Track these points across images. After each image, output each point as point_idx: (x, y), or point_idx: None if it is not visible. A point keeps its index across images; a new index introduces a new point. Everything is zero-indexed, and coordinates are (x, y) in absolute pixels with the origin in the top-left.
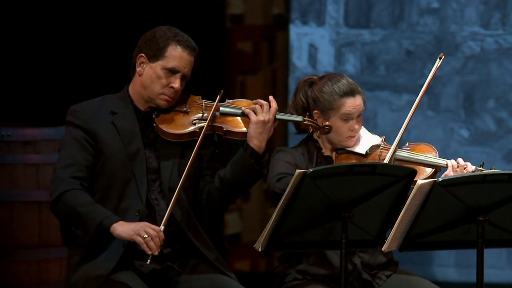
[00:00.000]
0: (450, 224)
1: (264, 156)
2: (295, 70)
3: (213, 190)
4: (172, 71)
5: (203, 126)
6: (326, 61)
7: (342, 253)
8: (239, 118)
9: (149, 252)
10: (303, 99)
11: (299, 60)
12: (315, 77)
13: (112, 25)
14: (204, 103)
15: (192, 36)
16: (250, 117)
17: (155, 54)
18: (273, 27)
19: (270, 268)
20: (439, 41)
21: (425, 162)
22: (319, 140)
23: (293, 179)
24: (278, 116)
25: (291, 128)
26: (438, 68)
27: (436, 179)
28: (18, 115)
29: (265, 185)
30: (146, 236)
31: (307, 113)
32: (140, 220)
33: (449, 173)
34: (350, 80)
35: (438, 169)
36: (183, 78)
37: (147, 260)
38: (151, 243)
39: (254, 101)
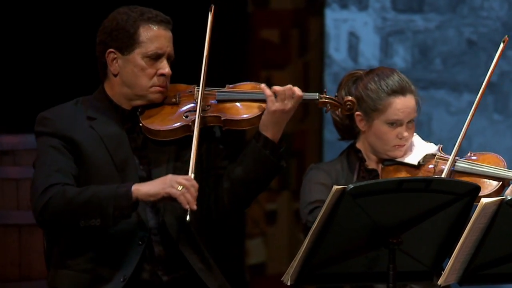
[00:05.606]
0: None
1: (280, 145)
2: (331, 64)
3: (222, 193)
4: (155, 56)
5: (195, 119)
6: (369, 53)
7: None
8: (238, 104)
9: (187, 207)
10: None
11: (336, 51)
12: (361, 72)
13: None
14: (197, 89)
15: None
16: (268, 102)
17: (128, 44)
18: (305, 11)
19: None
20: (507, 29)
21: (492, 174)
22: (362, 150)
23: (329, 197)
24: None
25: (328, 135)
26: (501, 56)
27: (503, 197)
28: None
29: (294, 205)
30: (180, 187)
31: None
32: (144, 250)
33: None
34: (403, 76)
35: (506, 183)
36: (168, 59)
37: (186, 217)
38: (188, 195)
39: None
